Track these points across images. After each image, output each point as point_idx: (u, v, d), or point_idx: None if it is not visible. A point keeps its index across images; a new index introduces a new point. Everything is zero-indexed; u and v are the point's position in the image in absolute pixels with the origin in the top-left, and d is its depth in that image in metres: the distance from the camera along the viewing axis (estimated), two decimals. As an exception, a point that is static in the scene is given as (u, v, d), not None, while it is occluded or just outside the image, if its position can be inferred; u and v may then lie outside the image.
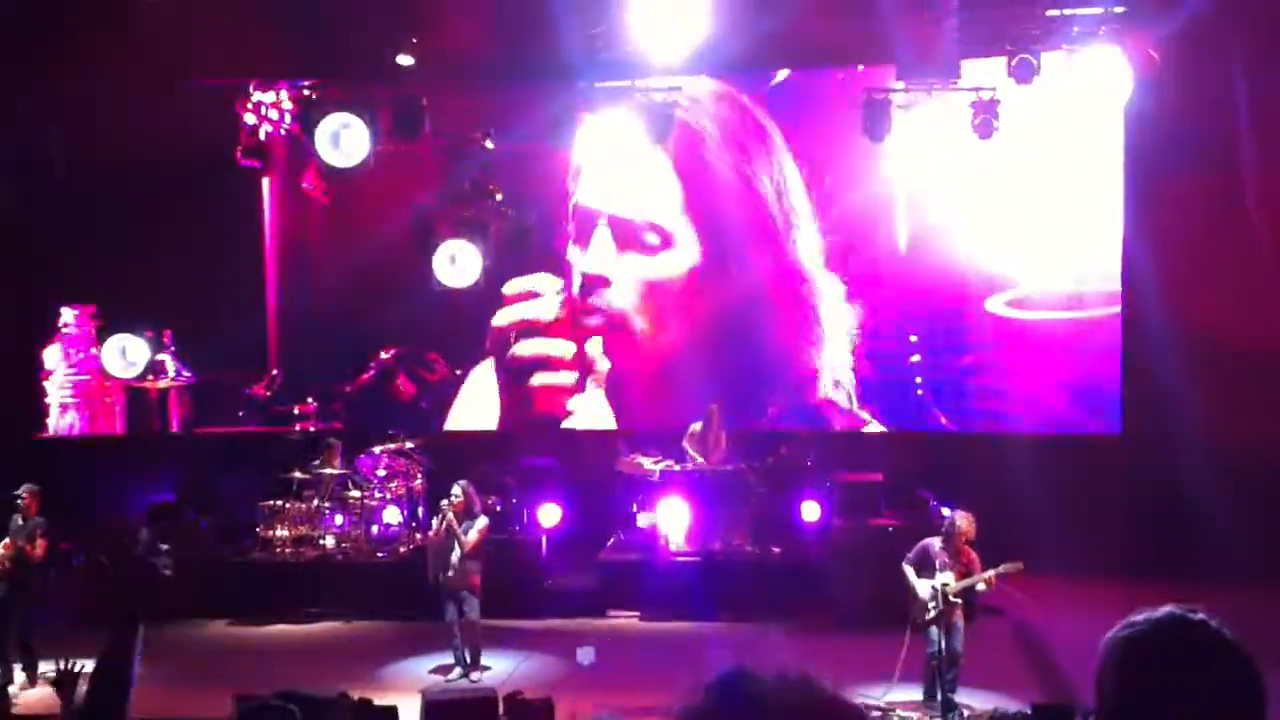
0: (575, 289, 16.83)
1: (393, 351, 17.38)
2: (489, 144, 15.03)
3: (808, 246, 16.27)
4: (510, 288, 16.83)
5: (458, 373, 17.39)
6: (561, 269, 16.88)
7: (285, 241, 17.83)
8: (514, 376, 17.08)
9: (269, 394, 17.22)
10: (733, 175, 16.37)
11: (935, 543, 10.42)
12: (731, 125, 16.40)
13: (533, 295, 16.93)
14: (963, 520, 10.36)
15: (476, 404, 17.28)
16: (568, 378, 16.99)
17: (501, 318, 16.94)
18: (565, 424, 17.00)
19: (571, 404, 16.98)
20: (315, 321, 17.46)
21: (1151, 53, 12.25)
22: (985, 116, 13.39)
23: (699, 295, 16.57)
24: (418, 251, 15.57)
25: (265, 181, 17.44)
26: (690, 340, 16.65)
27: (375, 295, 16.94)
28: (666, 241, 16.60)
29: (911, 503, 13.73)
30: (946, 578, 10.24)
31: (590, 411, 16.96)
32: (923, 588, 10.29)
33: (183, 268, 15.75)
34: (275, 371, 17.47)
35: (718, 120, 16.38)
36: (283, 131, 16.28)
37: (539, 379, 17.04)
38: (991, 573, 10.30)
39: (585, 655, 11.90)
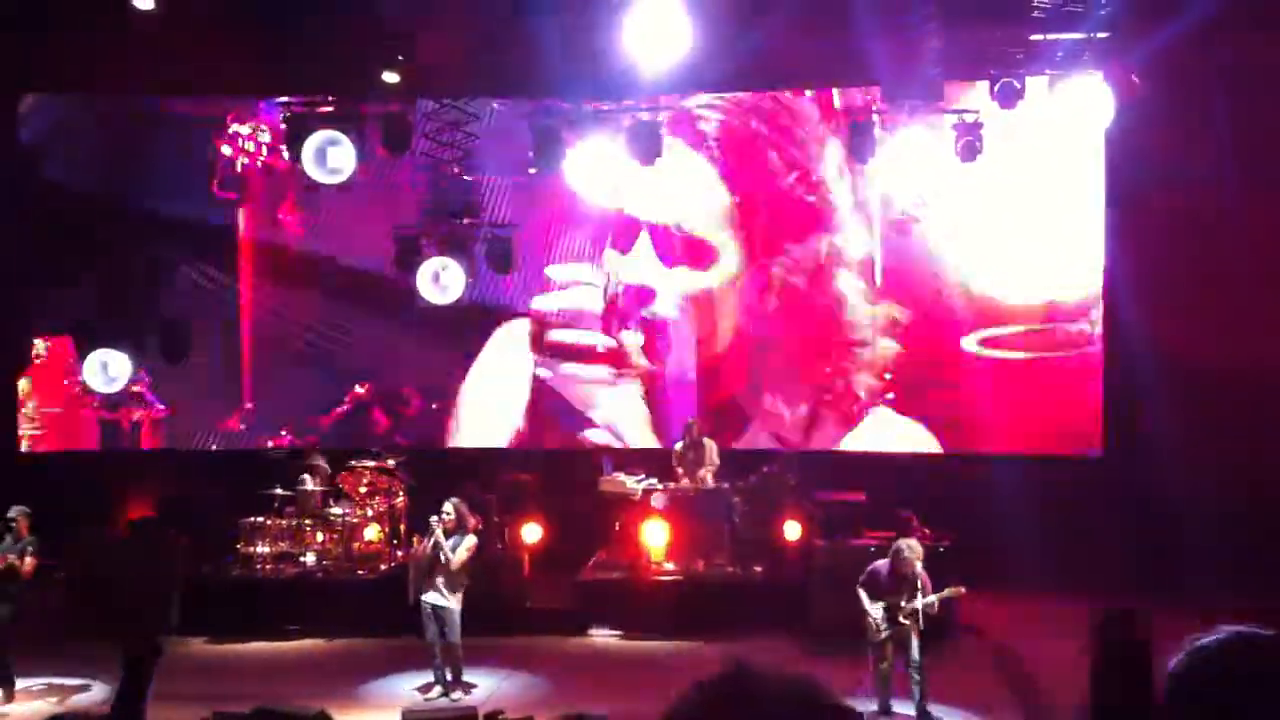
0: (612, 290, 16.85)
1: (368, 386, 17.40)
2: (466, 176, 15.19)
3: (849, 258, 16.29)
4: (555, 272, 16.86)
5: (433, 407, 17.39)
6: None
7: (260, 273, 17.83)
8: (549, 363, 17.10)
9: (243, 427, 17.22)
10: (783, 182, 16.37)
11: (883, 565, 10.63)
12: (778, 132, 16.41)
13: (577, 283, 16.94)
14: (906, 547, 10.57)
15: (484, 413, 17.32)
16: (602, 371, 17.03)
17: (544, 302, 16.95)
18: (595, 414, 17.01)
19: (603, 397, 17.00)
20: (290, 355, 17.46)
21: (1134, 78, 12.34)
22: (969, 139, 13.47)
23: (739, 306, 16.64)
24: (400, 269, 15.58)
25: (241, 213, 17.41)
26: (738, 348, 16.72)
27: (351, 329, 17.03)
28: (709, 255, 16.63)
29: (894, 523, 13.74)
30: (896, 599, 10.47)
31: (621, 408, 16.98)
32: (874, 610, 10.54)
33: (156, 298, 15.87)
34: (249, 405, 17.44)
35: (765, 125, 16.42)
36: (259, 164, 16.36)
37: (571, 368, 17.07)
38: (934, 598, 10.52)
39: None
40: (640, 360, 16.88)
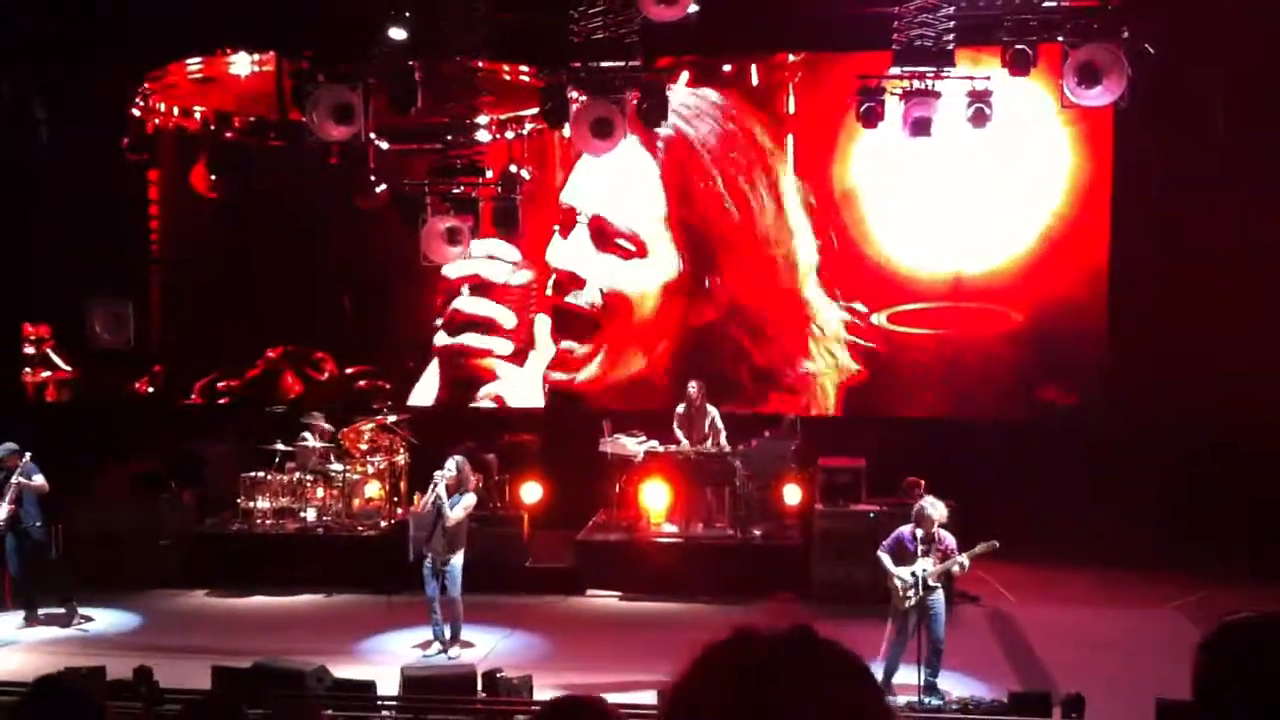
0: (550, 286, 16.79)
1: (280, 349, 17.39)
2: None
3: (803, 260, 16.25)
4: (472, 246, 16.83)
5: (348, 372, 17.37)
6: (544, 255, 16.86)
7: (171, 236, 17.76)
8: (451, 331, 17.05)
9: (152, 389, 17.22)
10: (723, 188, 16.32)
11: (908, 530, 10.49)
12: (726, 137, 16.33)
13: (489, 256, 16.87)
14: (932, 506, 10.42)
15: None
16: (503, 345, 16.98)
17: (453, 269, 16.82)
18: (485, 389, 16.97)
19: (502, 370, 16.97)
20: (201, 318, 17.44)
21: (1147, 47, 12.22)
22: (979, 106, 13.34)
23: (674, 310, 16.54)
24: (404, 227, 15.52)
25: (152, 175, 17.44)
26: (666, 354, 16.60)
27: (263, 293, 16.99)
28: (641, 250, 16.55)
29: (904, 488, 13.70)
30: (924, 564, 10.31)
31: (518, 388, 16.97)
32: (902, 574, 10.35)
33: (64, 260, 15.87)
34: (157, 368, 17.44)
35: (712, 132, 16.33)
36: (171, 126, 16.36)
37: (472, 339, 17.02)
38: (967, 556, 10.38)
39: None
40: (548, 347, 16.86)
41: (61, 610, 12.84)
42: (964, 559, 10.36)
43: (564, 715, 2.65)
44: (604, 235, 16.60)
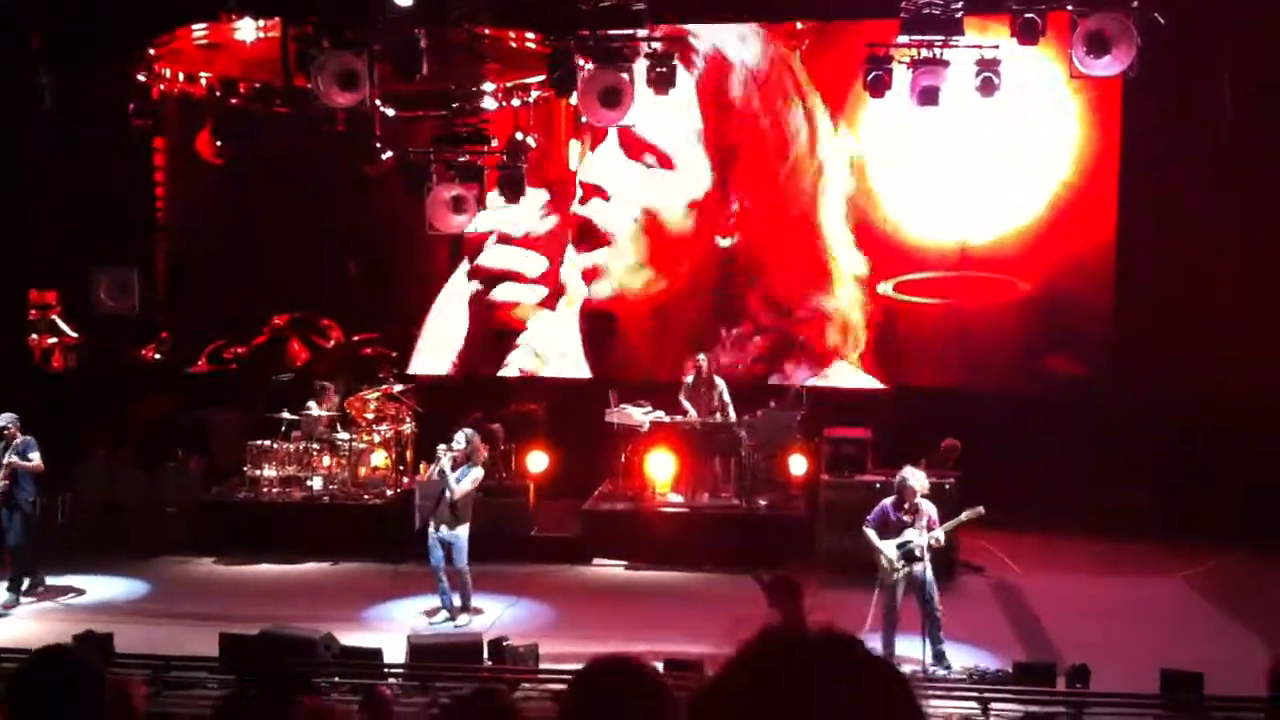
0: (576, 202, 16.68)
1: (287, 316, 17.36)
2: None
3: (830, 200, 16.17)
4: (491, 196, 16.80)
5: (354, 339, 17.32)
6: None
7: (177, 203, 17.70)
8: (482, 284, 17.01)
9: (158, 356, 17.22)
10: (761, 115, 16.20)
11: (890, 502, 10.46)
12: (766, 68, 16.21)
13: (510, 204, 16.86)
14: (913, 477, 10.39)
15: (442, 340, 17.30)
16: (534, 293, 16.92)
17: (477, 224, 16.77)
18: (513, 357, 16.94)
19: (534, 320, 16.94)
20: (208, 285, 17.38)
21: (1157, 16, 12.12)
22: (987, 75, 13.26)
23: (699, 229, 16.45)
24: (409, 195, 15.48)
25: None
26: (688, 279, 16.54)
27: (269, 259, 16.93)
28: (669, 164, 16.42)
29: (941, 453, 13.69)
30: (909, 535, 10.29)
31: (552, 334, 16.91)
32: (887, 548, 10.34)
33: (69, 227, 15.84)
34: (164, 335, 17.46)
35: (753, 55, 16.21)
36: (176, 92, 16.29)
37: (503, 292, 16.98)
38: (952, 523, 10.42)
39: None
40: (579, 289, 16.78)
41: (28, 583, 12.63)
42: (951, 524, 10.39)
43: (602, 680, 2.58)
44: (632, 147, 16.47)
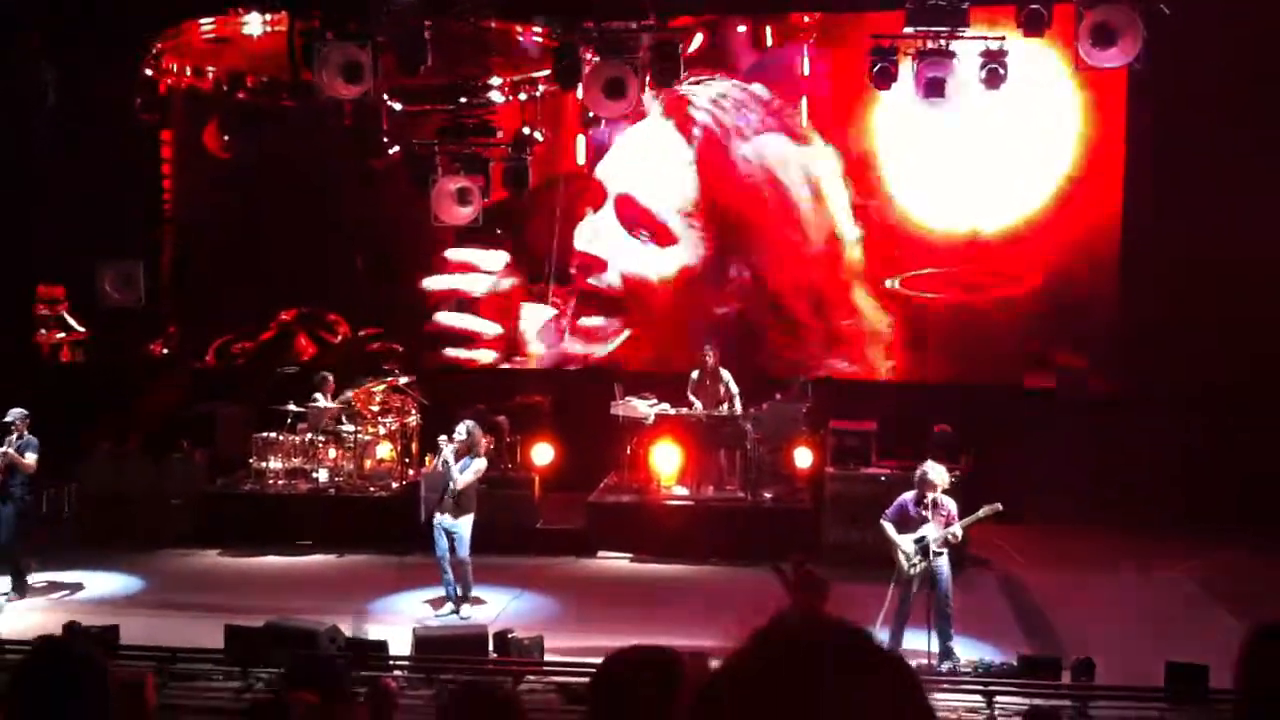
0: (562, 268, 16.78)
1: (294, 311, 17.38)
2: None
3: (846, 253, 16.17)
4: (452, 254, 16.79)
5: (361, 334, 17.36)
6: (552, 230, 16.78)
7: (183, 197, 17.70)
8: (437, 339, 17.13)
9: (166, 351, 17.22)
10: (760, 178, 16.19)
11: (910, 497, 10.41)
12: (767, 129, 16.22)
13: (471, 268, 16.86)
14: (933, 471, 10.34)
15: None
16: (486, 356, 17.03)
17: (433, 283, 16.93)
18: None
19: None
20: (214, 279, 17.37)
21: (1163, 7, 12.09)
22: (993, 67, 13.24)
23: (696, 298, 16.44)
24: (414, 186, 15.48)
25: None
26: (683, 342, 16.32)
27: (275, 253, 16.93)
28: (665, 238, 16.46)
29: (944, 444, 13.65)
30: (927, 530, 10.25)
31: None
32: (905, 543, 10.28)
33: (77, 222, 15.86)
34: (171, 329, 17.45)
35: (750, 125, 16.20)
36: (183, 86, 16.32)
37: (456, 352, 17.07)
38: (970, 519, 10.35)
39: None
40: (536, 349, 16.88)
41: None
42: (969, 520, 10.32)
43: (627, 670, 2.56)
44: (630, 218, 16.52)
